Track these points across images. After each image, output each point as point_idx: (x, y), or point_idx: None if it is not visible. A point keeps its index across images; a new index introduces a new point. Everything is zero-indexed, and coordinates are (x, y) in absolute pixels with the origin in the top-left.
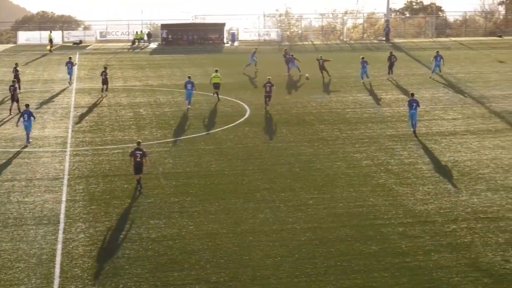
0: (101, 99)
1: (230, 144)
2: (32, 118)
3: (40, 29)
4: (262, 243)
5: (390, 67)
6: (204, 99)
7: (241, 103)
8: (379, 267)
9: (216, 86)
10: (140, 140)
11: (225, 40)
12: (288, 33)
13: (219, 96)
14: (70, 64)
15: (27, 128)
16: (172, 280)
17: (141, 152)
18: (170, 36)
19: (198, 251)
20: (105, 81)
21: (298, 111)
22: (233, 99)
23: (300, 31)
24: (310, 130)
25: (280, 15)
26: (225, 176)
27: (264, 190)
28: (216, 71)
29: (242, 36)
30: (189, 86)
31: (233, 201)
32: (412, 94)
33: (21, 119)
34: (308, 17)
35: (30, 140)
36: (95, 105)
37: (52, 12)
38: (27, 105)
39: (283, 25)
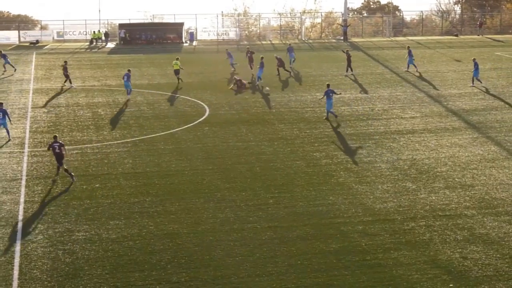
0: (64, 91)
1: (189, 144)
2: (6, 116)
3: None
4: (222, 243)
5: (349, 65)
6: (163, 99)
7: (201, 102)
8: (339, 266)
9: (176, 72)
10: (56, 134)
11: (183, 40)
12: (246, 32)
13: (180, 80)
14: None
15: (5, 126)
16: (133, 281)
17: (58, 144)
18: (128, 36)
19: (158, 251)
20: (66, 76)
21: (257, 110)
22: (193, 99)
23: (258, 31)
24: (270, 130)
25: (239, 14)
26: (185, 176)
27: (224, 190)
28: (177, 59)
29: (201, 36)
30: (125, 78)
31: (193, 201)
32: (328, 85)
33: None
34: (267, 17)
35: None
36: (53, 105)
37: (8, 12)
38: (0, 104)
39: (242, 24)
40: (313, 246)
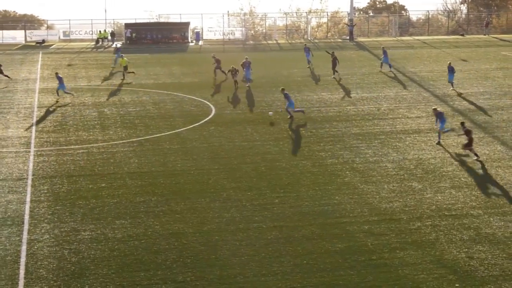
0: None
1: (195, 143)
2: None
3: (2, 28)
4: (228, 242)
5: (334, 67)
6: (168, 99)
7: (206, 102)
8: (345, 265)
9: (125, 68)
10: None
11: (189, 39)
12: (252, 32)
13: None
14: None
15: None
16: (139, 280)
17: None
18: (134, 35)
19: (164, 250)
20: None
21: (263, 110)
22: (198, 99)
23: (264, 30)
24: (276, 129)
25: (245, 14)
26: (191, 175)
27: (230, 189)
28: (122, 56)
29: (207, 35)
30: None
31: (199, 200)
32: (282, 89)
33: None
34: (273, 16)
35: None
36: (59, 104)
37: (14, 11)
38: None
39: (248, 24)
40: (319, 246)
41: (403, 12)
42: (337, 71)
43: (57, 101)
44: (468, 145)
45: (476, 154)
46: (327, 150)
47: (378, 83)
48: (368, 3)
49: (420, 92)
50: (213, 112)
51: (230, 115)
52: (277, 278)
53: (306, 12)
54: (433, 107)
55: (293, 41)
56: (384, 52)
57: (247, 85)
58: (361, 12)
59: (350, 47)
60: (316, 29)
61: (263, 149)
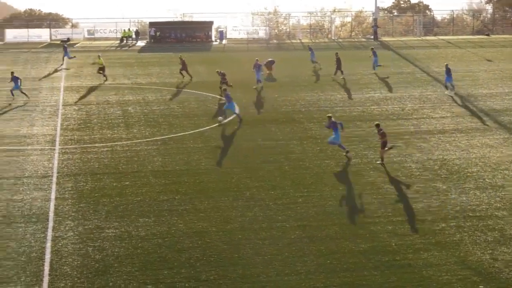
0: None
1: (219, 142)
2: None
3: (27, 27)
4: (251, 241)
5: (339, 67)
6: (192, 97)
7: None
8: (368, 265)
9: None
10: None
11: (213, 38)
12: (276, 31)
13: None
14: None
15: None
16: (162, 278)
17: None
18: (158, 34)
19: (187, 249)
20: None
21: (287, 109)
22: (222, 98)
23: (288, 30)
24: (299, 128)
25: (269, 13)
26: (214, 174)
27: (253, 188)
28: (99, 56)
29: (230, 34)
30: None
31: (222, 199)
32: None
33: None
34: (296, 15)
35: None
36: (83, 103)
37: (39, 10)
38: None
39: (271, 23)
40: (342, 246)
41: (427, 11)
42: (342, 71)
43: (10, 104)
44: (383, 147)
45: (382, 158)
46: (351, 150)
47: (402, 83)
48: (393, 2)
49: (445, 92)
50: (237, 111)
51: (253, 114)
52: (300, 278)
53: (330, 12)
54: (328, 115)
55: (317, 41)
56: (311, 49)
57: (254, 87)
58: (386, 12)
59: (374, 47)
60: (340, 29)
61: (287, 149)
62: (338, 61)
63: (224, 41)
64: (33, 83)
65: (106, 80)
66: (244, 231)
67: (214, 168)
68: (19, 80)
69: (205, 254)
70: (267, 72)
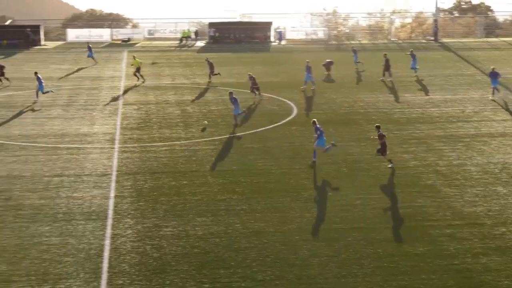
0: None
1: (276, 143)
2: None
3: (89, 26)
4: (308, 243)
5: (387, 69)
6: (250, 98)
7: (288, 102)
8: (426, 269)
9: (138, 69)
10: None
11: (272, 39)
12: (335, 32)
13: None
14: None
15: None
16: (219, 278)
17: None
18: (217, 35)
19: (244, 249)
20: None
21: (345, 110)
22: (280, 98)
23: (347, 30)
24: (357, 130)
25: (327, 14)
26: (272, 174)
27: (311, 190)
28: (134, 57)
29: (289, 35)
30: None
31: (280, 200)
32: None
33: None
34: (356, 16)
35: None
36: (143, 102)
37: (100, 10)
38: None
39: (330, 24)
40: (400, 249)
41: (489, 12)
42: (390, 74)
43: (34, 102)
44: (380, 151)
45: (390, 161)
46: (410, 152)
47: (462, 85)
48: (454, 3)
49: (507, 95)
50: (295, 112)
51: (312, 115)
52: (356, 280)
53: (390, 13)
54: (313, 120)
55: (376, 42)
56: (354, 51)
57: (301, 87)
58: (446, 13)
59: (434, 48)
60: (399, 30)
61: (345, 150)
62: (387, 63)
63: (283, 42)
64: (93, 82)
65: (144, 81)
66: (301, 232)
67: (271, 168)
68: (41, 80)
69: (261, 254)
70: (326, 73)
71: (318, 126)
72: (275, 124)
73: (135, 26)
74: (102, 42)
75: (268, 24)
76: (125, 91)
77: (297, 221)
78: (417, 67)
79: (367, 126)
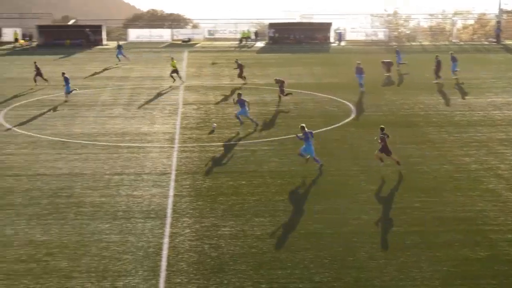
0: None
1: (335, 144)
2: None
3: (150, 27)
4: (366, 245)
5: (437, 71)
6: (309, 99)
7: (347, 103)
8: (486, 274)
9: (174, 71)
10: None
11: (331, 40)
12: (396, 33)
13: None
14: None
15: None
16: (276, 278)
17: None
18: (277, 35)
19: (302, 250)
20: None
21: (405, 112)
22: (339, 99)
23: (408, 32)
24: (417, 132)
25: (388, 15)
26: (330, 176)
27: (369, 192)
28: (172, 59)
29: (349, 36)
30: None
31: (338, 201)
32: (240, 94)
33: None
34: (417, 18)
35: None
36: (202, 102)
37: (161, 11)
38: None
39: (391, 25)
40: (460, 253)
41: None
42: (440, 76)
43: (65, 101)
44: (383, 151)
45: (397, 161)
46: (471, 155)
47: None
48: None
49: None
50: (354, 113)
51: (371, 116)
52: (415, 284)
53: (451, 14)
54: (301, 125)
55: (438, 43)
56: (397, 52)
57: (362, 90)
58: (510, 14)
59: (496, 50)
60: (461, 31)
61: (404, 152)
62: (438, 65)
63: (342, 43)
64: (154, 82)
65: (183, 82)
66: (359, 234)
67: (330, 169)
68: (68, 81)
69: (319, 255)
70: (386, 74)
71: (306, 131)
72: (334, 126)
73: (195, 26)
74: (162, 42)
75: (328, 25)
76: (185, 91)
77: (355, 223)
78: (458, 69)
79: (428, 128)
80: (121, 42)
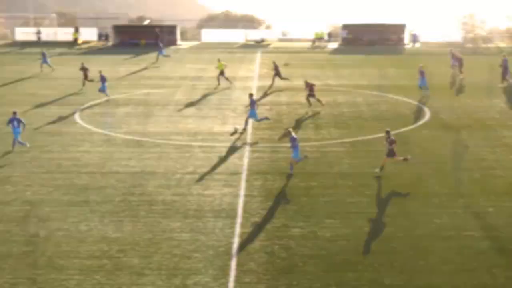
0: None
1: (408, 146)
2: (21, 124)
3: (223, 27)
4: (438, 249)
5: (504, 74)
6: (382, 100)
7: (421, 105)
8: None
9: (221, 72)
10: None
11: (405, 41)
12: (471, 35)
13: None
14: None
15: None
16: (346, 281)
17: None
18: (350, 36)
19: (372, 252)
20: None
21: (480, 115)
22: (413, 102)
23: (484, 33)
24: (493, 136)
25: (464, 16)
26: (403, 179)
27: (442, 195)
28: (219, 60)
29: (424, 38)
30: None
31: (410, 204)
32: (251, 95)
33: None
34: (494, 19)
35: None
36: (274, 103)
37: (235, 11)
38: (14, 112)
39: (467, 27)
40: None
41: None
42: (506, 79)
43: (107, 100)
44: (389, 155)
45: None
46: None
47: None
48: None
49: None
50: (428, 115)
51: (445, 119)
52: None
53: None
54: (289, 129)
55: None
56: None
57: (427, 93)
58: None
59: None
60: None
61: (478, 156)
62: (505, 67)
63: (417, 44)
64: (226, 82)
65: (232, 84)
66: (431, 238)
67: (402, 172)
68: (105, 80)
69: (390, 259)
70: (461, 77)
71: (294, 136)
72: (407, 128)
73: (268, 27)
74: (236, 43)
75: (402, 26)
76: (257, 92)
77: (427, 227)
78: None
79: (503, 131)
80: (46, 50)
